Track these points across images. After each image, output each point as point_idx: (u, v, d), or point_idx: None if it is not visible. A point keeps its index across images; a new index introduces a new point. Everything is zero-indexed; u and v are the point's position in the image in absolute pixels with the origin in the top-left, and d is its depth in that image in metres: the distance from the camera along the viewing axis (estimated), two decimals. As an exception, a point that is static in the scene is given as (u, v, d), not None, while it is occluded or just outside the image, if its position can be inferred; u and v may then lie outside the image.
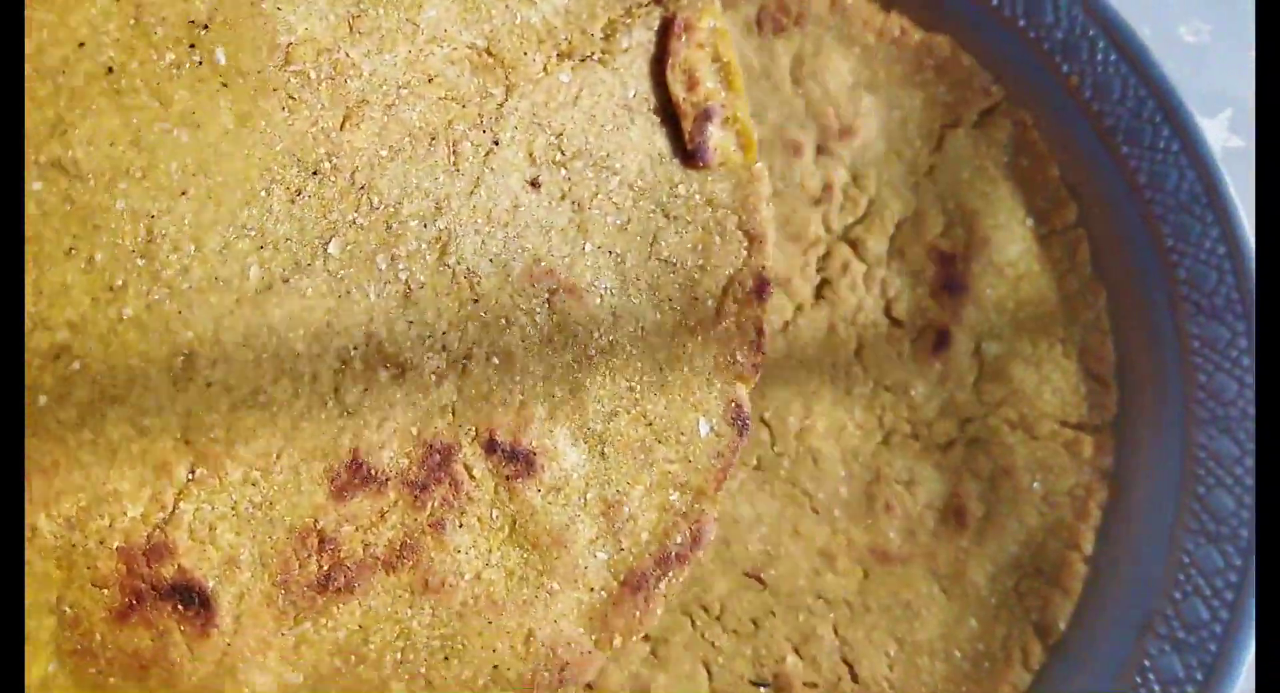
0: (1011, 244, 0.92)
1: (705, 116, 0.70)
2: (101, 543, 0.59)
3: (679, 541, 0.68)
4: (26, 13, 0.59)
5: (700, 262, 0.70)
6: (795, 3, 0.93)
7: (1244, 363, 0.84)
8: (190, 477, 0.61)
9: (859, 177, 0.93)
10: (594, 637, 0.66)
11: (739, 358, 0.70)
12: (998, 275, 0.92)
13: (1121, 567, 0.86)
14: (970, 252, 0.92)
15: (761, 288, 0.70)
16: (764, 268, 0.70)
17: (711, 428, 0.69)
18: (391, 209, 0.64)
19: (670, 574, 0.67)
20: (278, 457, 0.62)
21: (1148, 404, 0.89)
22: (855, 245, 0.92)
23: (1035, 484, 0.88)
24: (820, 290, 0.92)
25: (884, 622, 0.86)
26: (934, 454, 0.89)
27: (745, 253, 0.71)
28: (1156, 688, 0.81)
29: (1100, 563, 0.87)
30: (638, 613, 0.66)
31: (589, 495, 0.67)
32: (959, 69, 0.93)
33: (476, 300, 0.65)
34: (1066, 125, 0.92)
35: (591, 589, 0.67)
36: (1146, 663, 0.82)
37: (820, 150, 0.92)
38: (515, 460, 0.65)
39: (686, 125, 0.71)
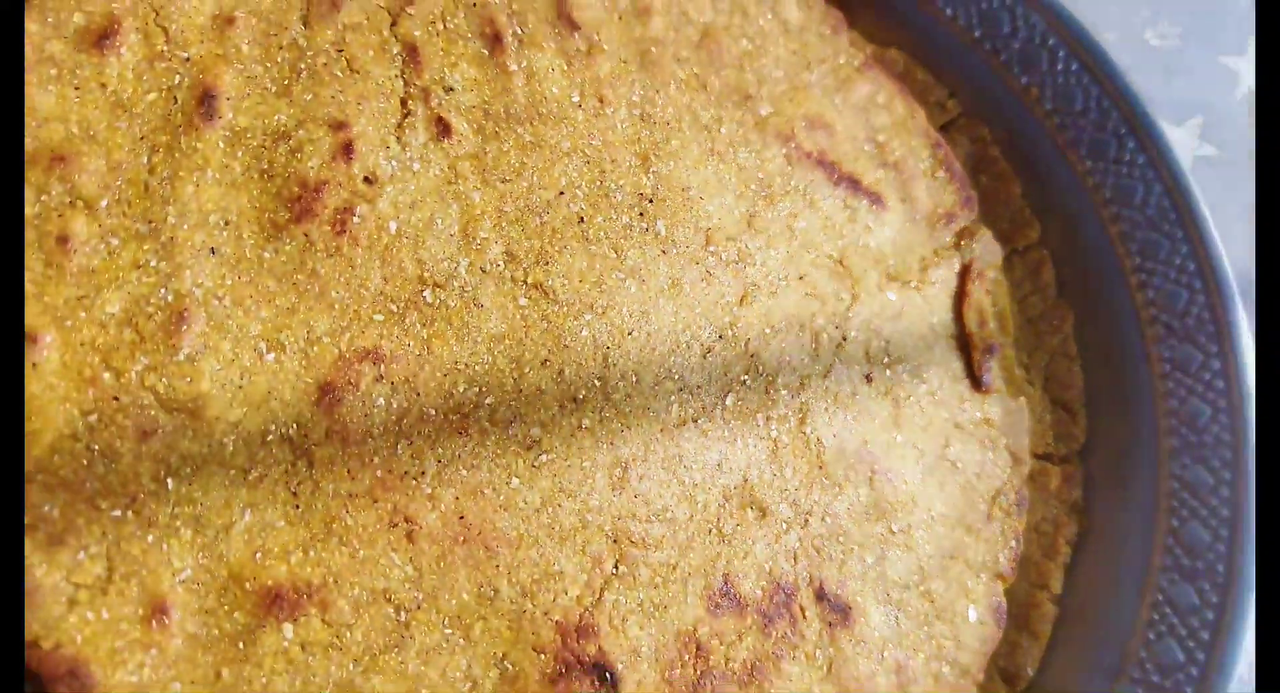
0: (974, 266, 0.90)
1: (989, 351, 0.82)
2: (545, 614, 0.68)
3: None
4: (520, 156, 0.74)
5: (977, 470, 0.81)
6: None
7: (1218, 386, 0.80)
8: (614, 571, 0.70)
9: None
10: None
11: (1001, 560, 0.80)
12: (960, 299, 0.89)
13: (1092, 607, 0.81)
14: (931, 274, 0.89)
15: (1020, 504, 0.81)
16: (1023, 486, 0.81)
17: (979, 616, 0.78)
18: (770, 377, 0.76)
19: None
20: (674, 567, 0.72)
21: (1117, 433, 0.83)
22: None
23: (1001, 518, 0.86)
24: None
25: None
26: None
27: (1010, 469, 0.82)
28: (1131, 735, 0.79)
29: (1070, 603, 0.81)
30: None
31: (885, 653, 0.75)
32: (913, 83, 0.89)
33: (820, 467, 0.76)
34: (1027, 140, 0.87)
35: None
36: (1120, 709, 0.80)
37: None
38: (837, 610, 0.74)
39: (975, 355, 0.82)
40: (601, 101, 0.77)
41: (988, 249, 0.84)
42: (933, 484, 0.79)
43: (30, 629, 0.61)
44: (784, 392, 0.76)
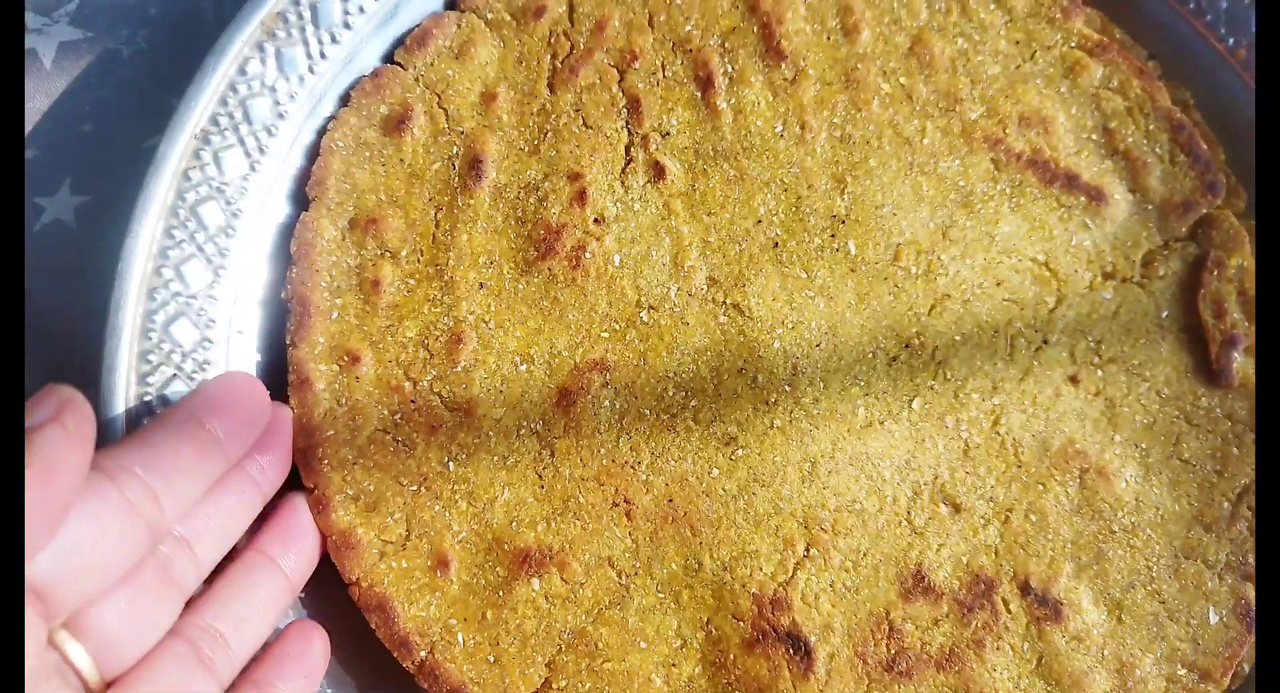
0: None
1: (1230, 343, 0.77)
2: (743, 587, 0.75)
3: (1182, 711, 0.74)
4: (724, 190, 0.80)
5: (1218, 467, 0.76)
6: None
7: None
8: (806, 554, 0.75)
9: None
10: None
11: (1250, 561, 0.75)
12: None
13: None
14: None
15: (1275, 501, 0.76)
16: (1280, 482, 0.76)
17: (1221, 618, 0.75)
18: (959, 383, 0.77)
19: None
20: (865, 554, 0.75)
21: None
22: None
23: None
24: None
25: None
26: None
27: None
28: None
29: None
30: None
31: (1106, 652, 0.74)
32: (1111, 43, 0.83)
33: (1020, 466, 0.76)
34: (1230, 104, 0.80)
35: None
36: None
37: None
38: (1045, 605, 0.74)
39: (1213, 348, 0.77)
40: (803, 128, 0.80)
41: (1230, 237, 0.78)
42: (1160, 483, 0.76)
43: (352, 573, 0.75)
44: (975, 395, 0.77)
